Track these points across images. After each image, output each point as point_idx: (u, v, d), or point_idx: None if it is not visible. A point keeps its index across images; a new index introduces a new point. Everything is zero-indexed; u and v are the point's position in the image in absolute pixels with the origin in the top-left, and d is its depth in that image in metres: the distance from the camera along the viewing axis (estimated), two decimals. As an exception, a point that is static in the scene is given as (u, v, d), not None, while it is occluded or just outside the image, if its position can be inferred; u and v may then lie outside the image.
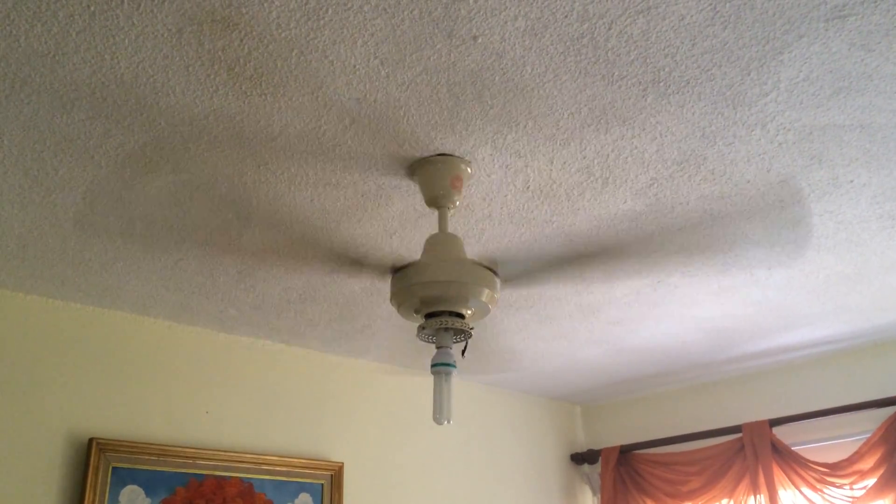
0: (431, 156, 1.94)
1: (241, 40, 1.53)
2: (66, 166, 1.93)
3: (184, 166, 1.95)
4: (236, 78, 1.63)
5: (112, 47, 1.53)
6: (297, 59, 1.58)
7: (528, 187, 2.10)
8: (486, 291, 1.91)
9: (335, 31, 1.50)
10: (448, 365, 1.91)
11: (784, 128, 1.86)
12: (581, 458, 4.40)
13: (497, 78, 1.66)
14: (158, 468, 2.80)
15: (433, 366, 1.92)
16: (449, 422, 1.90)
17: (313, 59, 1.58)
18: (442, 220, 2.01)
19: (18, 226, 2.22)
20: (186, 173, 1.98)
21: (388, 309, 2.87)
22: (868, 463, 3.40)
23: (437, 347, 1.94)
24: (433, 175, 1.96)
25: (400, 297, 1.94)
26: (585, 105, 1.76)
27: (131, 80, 1.63)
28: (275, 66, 1.60)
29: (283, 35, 1.51)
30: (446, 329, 1.92)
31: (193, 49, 1.55)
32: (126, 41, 1.52)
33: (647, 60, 1.61)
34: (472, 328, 1.94)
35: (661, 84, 1.69)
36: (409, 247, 2.41)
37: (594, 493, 4.37)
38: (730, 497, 3.75)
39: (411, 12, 1.46)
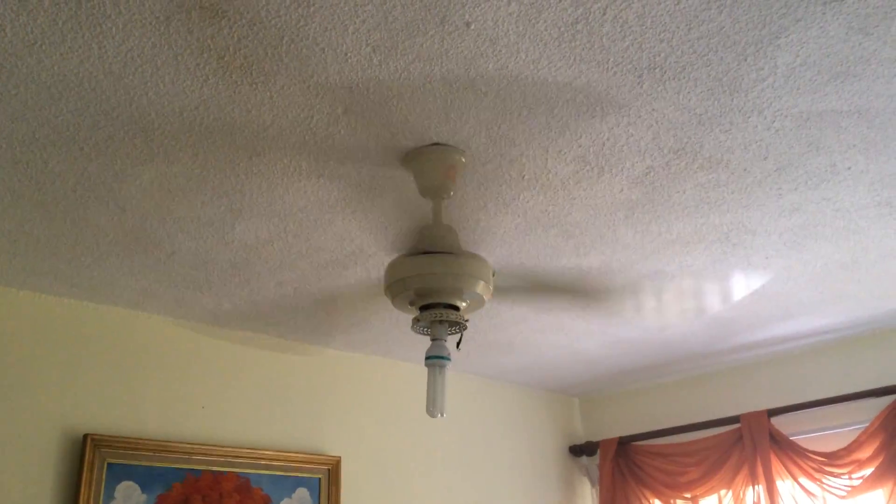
0: (425, 146, 1.92)
1: (231, 28, 1.50)
2: (55, 159, 1.91)
3: (175, 158, 1.93)
4: (226, 67, 1.61)
5: (99, 36, 1.50)
6: (287, 47, 1.56)
7: (523, 177, 2.08)
8: (481, 283, 1.90)
9: (326, 17, 1.48)
10: (442, 357, 1.90)
11: (781, 114, 1.84)
12: (579, 450, 4.39)
13: (491, 65, 1.63)
14: (154, 464, 2.78)
15: (427, 358, 1.90)
16: (442, 415, 1.89)
17: (304, 47, 1.56)
18: (436, 211, 2.00)
19: (9, 220, 2.19)
20: (177, 165, 1.96)
21: (384, 301, 2.84)
22: (866, 452, 3.39)
23: (432, 340, 1.93)
24: (427, 165, 1.94)
25: (394, 290, 1.92)
26: (581, 92, 1.74)
27: (119, 69, 1.60)
28: (265, 54, 1.58)
29: (272, 22, 1.49)
30: (441, 321, 1.90)
31: (182, 37, 1.52)
32: (113, 30, 1.49)
33: (643, 46, 1.59)
34: (466, 320, 1.92)
35: (657, 70, 1.67)
36: (404, 238, 2.38)
37: (593, 485, 4.36)
38: (728, 487, 3.74)
39: (403, -2, 1.44)
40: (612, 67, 1.66)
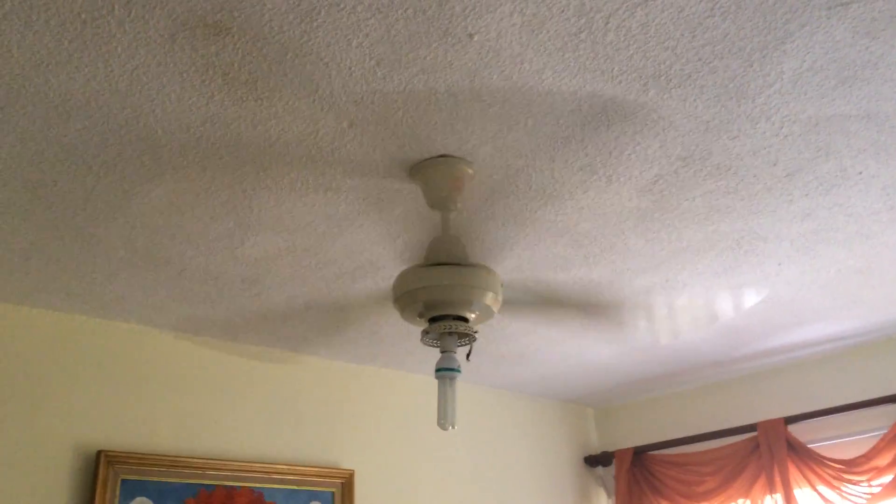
0: (432, 157, 1.92)
1: (235, 45, 1.51)
2: (64, 177, 1.92)
3: (183, 174, 1.94)
4: (231, 83, 1.62)
5: (105, 55, 1.52)
6: (291, 63, 1.56)
7: (530, 187, 2.08)
8: (490, 294, 1.89)
9: (329, 32, 1.49)
10: (452, 370, 1.89)
11: (789, 119, 1.83)
12: (595, 461, 4.36)
13: (495, 76, 1.63)
14: (168, 479, 2.78)
15: (437, 370, 1.90)
16: (453, 427, 1.88)
17: (308, 62, 1.56)
18: (445, 223, 1.99)
19: (21, 239, 2.21)
20: (186, 181, 1.97)
21: (395, 314, 2.83)
22: (885, 459, 3.35)
23: (442, 352, 1.92)
24: (434, 177, 1.94)
25: (403, 302, 1.92)
26: (586, 101, 1.73)
27: (126, 88, 1.61)
28: (269, 70, 1.58)
29: (276, 38, 1.50)
30: (450, 333, 1.90)
31: (187, 55, 1.53)
32: (119, 49, 1.50)
33: (647, 54, 1.59)
34: (476, 332, 1.91)
35: (663, 78, 1.66)
36: (413, 250, 2.38)
37: (609, 496, 4.33)
38: (746, 497, 3.70)
39: (405, 11, 1.44)
40: (617, 76, 1.65)
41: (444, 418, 1.87)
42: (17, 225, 2.13)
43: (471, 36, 1.51)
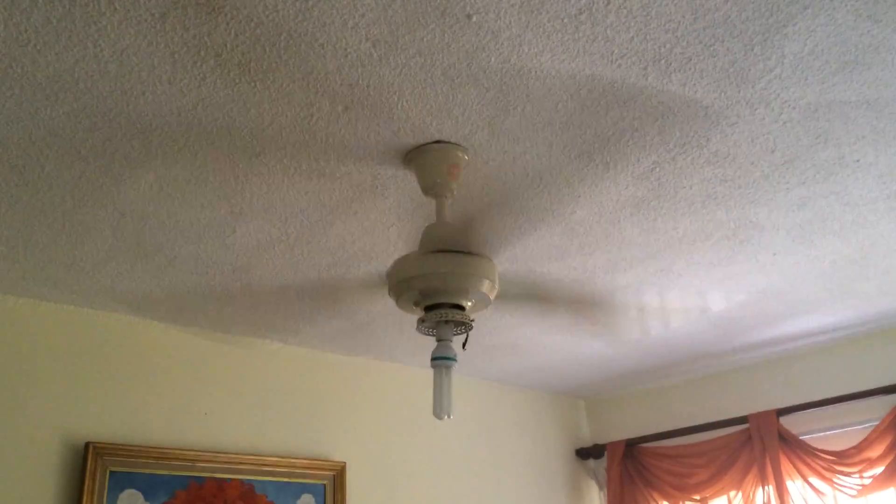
0: (427, 143, 1.89)
1: (228, 24, 1.48)
2: (52, 162, 1.88)
3: (173, 160, 1.90)
4: (224, 65, 1.58)
5: (94, 34, 1.48)
6: (285, 44, 1.53)
7: (527, 174, 2.05)
8: (487, 282, 1.86)
9: (324, 12, 1.45)
10: (448, 358, 1.86)
11: (789, 105, 1.81)
12: (587, 453, 4.35)
13: (493, 59, 1.60)
14: (157, 471, 2.75)
15: (433, 359, 1.87)
16: (449, 416, 1.85)
17: (303, 43, 1.53)
18: (440, 210, 1.96)
19: (7, 226, 2.17)
20: (176, 167, 1.93)
21: (388, 304, 2.82)
22: (877, 450, 3.36)
23: (438, 340, 1.90)
24: (429, 163, 1.91)
25: (398, 290, 1.89)
26: (585, 86, 1.70)
27: (115, 69, 1.57)
28: (263, 51, 1.55)
29: (270, 18, 1.46)
30: (446, 321, 1.87)
31: (178, 34, 1.49)
32: (108, 27, 1.46)
33: (648, 36, 1.56)
34: (472, 320, 1.89)
35: (663, 62, 1.64)
36: (408, 238, 2.36)
37: (601, 488, 4.32)
38: (738, 489, 3.70)
39: (402, -10, 1.41)
40: (617, 59, 1.63)
41: (439, 407, 1.85)
42: (3, 212, 2.09)
43: (469, 16, 1.48)
